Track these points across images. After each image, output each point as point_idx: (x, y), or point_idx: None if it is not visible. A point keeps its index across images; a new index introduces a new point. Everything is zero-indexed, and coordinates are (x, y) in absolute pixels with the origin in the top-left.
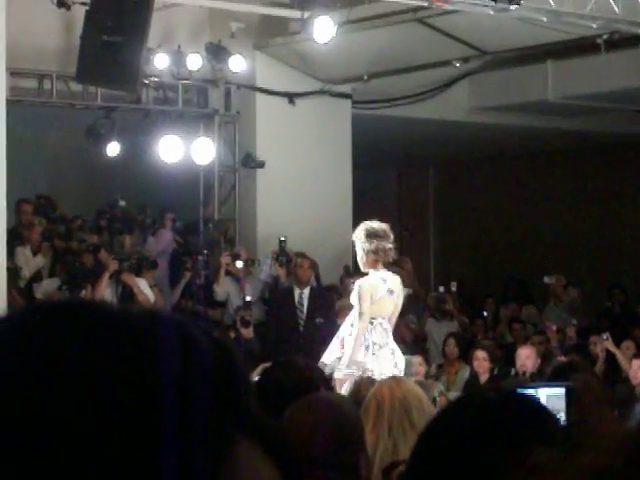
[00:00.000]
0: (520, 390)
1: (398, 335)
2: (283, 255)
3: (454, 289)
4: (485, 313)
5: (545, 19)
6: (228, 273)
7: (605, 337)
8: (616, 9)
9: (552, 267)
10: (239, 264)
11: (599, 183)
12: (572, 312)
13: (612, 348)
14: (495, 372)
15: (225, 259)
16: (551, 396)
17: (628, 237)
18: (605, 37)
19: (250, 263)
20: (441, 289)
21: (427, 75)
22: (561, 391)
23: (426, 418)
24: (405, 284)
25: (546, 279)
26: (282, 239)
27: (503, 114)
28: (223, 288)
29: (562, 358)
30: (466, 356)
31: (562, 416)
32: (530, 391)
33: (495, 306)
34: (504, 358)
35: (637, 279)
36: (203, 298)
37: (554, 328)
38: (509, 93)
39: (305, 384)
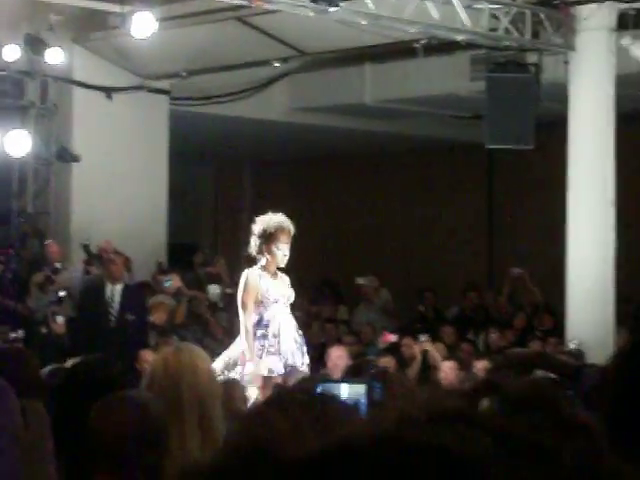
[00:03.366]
0: (322, 385)
1: (211, 333)
2: (91, 258)
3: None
4: (297, 313)
5: (364, 22)
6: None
7: (424, 339)
8: (434, 15)
9: (366, 269)
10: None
11: (414, 186)
12: (385, 314)
13: (432, 349)
14: None
15: (37, 278)
16: (352, 391)
17: (439, 239)
18: (423, 42)
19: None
20: None
21: (246, 74)
22: (362, 387)
23: (199, 397)
24: (221, 283)
25: (359, 280)
26: (85, 244)
27: (321, 115)
28: (36, 304)
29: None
30: None
31: (363, 402)
32: (332, 385)
33: (307, 306)
34: (316, 358)
35: (446, 282)
36: (13, 292)
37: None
38: (328, 94)
39: (112, 381)
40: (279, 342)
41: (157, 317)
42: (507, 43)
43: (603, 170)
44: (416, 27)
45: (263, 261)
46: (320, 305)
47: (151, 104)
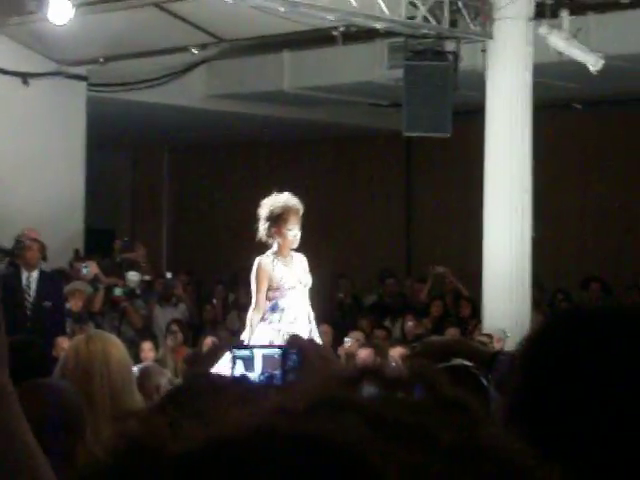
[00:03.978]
0: (236, 351)
1: (128, 320)
2: (12, 254)
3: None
4: (215, 300)
5: (282, 9)
6: None
7: (348, 342)
8: (353, 2)
9: None
10: None
11: (332, 173)
12: None
13: (357, 352)
14: None
15: None
16: (266, 356)
17: (357, 225)
18: (342, 29)
19: None
20: (168, 275)
21: (164, 60)
22: (277, 351)
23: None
24: (140, 270)
25: None
26: None
27: (240, 102)
28: None
29: None
30: (196, 342)
31: (278, 374)
32: (245, 352)
33: (225, 293)
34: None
35: (365, 269)
36: None
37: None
38: (246, 81)
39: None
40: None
41: (73, 304)
42: (425, 31)
43: (520, 158)
44: (334, 14)
45: (275, 246)
46: (236, 292)
47: (68, 90)
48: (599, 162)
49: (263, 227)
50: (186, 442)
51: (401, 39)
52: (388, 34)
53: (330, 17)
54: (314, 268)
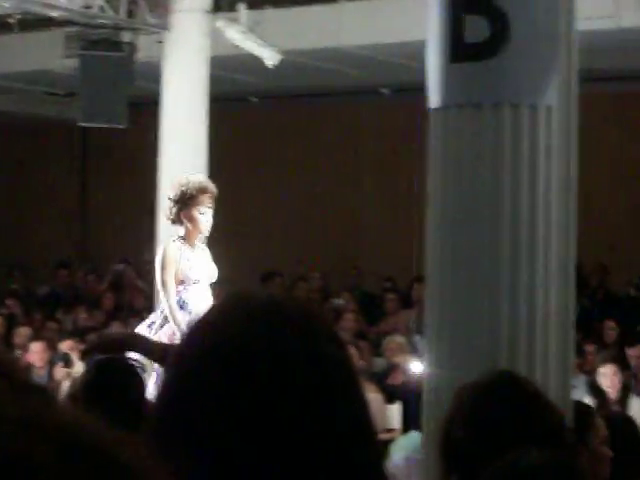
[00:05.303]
0: None
1: None
2: None
3: None
4: None
5: None
6: None
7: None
8: None
9: None
10: None
11: (9, 162)
12: None
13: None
14: None
15: None
16: None
17: (30, 215)
18: (18, 17)
19: None
20: None
21: None
22: None
23: None
24: None
25: None
26: None
27: None
28: None
29: None
30: None
31: None
32: None
33: None
34: None
35: (40, 259)
36: None
37: None
38: None
39: None
40: None
41: None
42: (102, 21)
43: (195, 151)
44: (9, 2)
45: (181, 231)
46: None
47: None
48: (275, 155)
49: (171, 211)
50: None
51: (77, 28)
52: (66, 23)
53: (5, 4)
54: None
